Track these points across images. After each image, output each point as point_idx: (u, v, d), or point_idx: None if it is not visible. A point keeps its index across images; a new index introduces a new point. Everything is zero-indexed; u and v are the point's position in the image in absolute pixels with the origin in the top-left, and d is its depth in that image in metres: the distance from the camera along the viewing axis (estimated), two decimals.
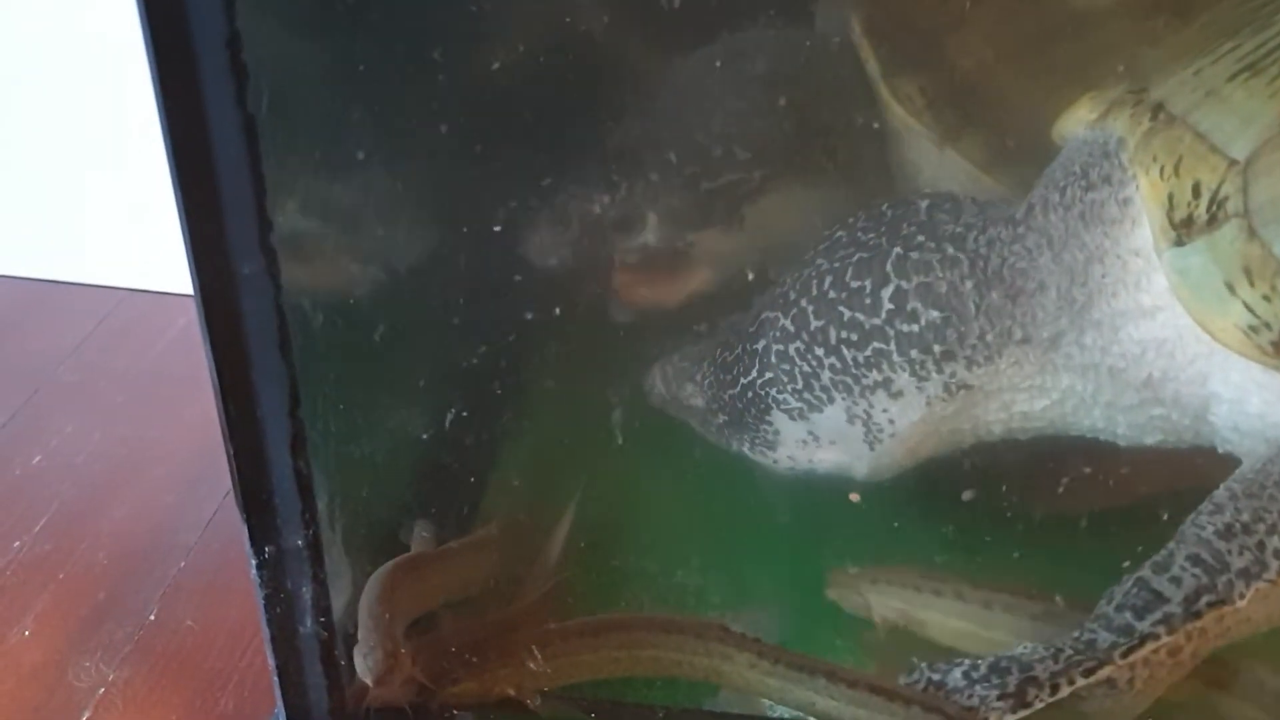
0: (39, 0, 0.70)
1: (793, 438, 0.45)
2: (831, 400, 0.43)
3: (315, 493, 0.40)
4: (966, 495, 0.45)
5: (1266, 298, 0.35)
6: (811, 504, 0.48)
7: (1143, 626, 0.36)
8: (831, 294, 0.42)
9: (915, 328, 0.41)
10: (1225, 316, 0.36)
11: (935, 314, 0.41)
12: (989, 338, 0.41)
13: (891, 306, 0.41)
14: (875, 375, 0.42)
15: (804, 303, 0.43)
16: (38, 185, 0.75)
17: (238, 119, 0.33)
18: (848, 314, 0.42)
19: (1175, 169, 0.37)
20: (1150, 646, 0.36)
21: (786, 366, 0.43)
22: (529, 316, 0.44)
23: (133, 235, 0.75)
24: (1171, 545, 0.37)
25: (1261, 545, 0.36)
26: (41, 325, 0.75)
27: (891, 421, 0.43)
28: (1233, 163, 0.36)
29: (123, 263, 0.76)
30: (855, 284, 0.42)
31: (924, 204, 0.43)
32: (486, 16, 0.40)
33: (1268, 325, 0.35)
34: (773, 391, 0.44)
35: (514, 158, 0.42)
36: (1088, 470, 0.44)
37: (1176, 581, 0.36)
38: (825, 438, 0.44)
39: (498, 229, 0.42)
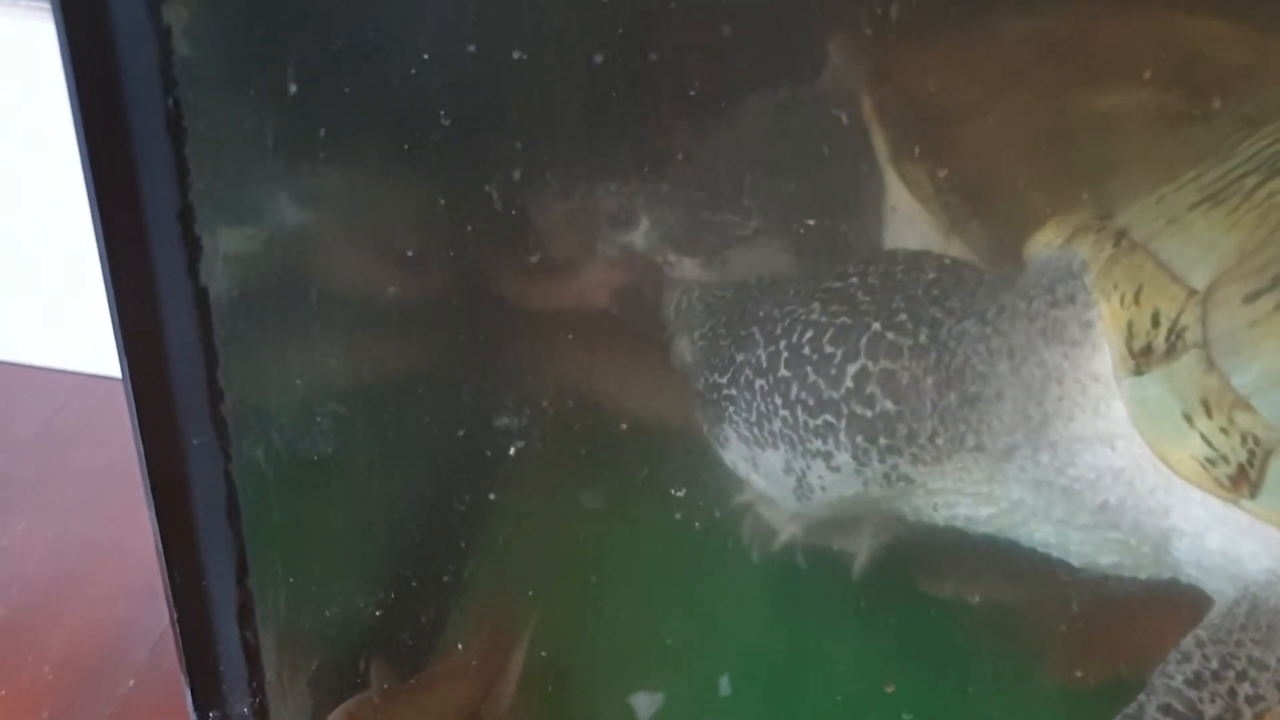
0: None
1: (738, 453, 0.45)
2: (775, 446, 0.43)
3: (263, 662, 0.38)
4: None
5: (1224, 430, 0.35)
6: (799, 636, 0.48)
7: None
8: (806, 350, 0.42)
9: (869, 413, 0.40)
10: (1183, 448, 0.35)
11: (890, 405, 0.40)
12: (939, 440, 0.40)
13: (852, 385, 0.40)
14: (819, 444, 0.41)
15: (782, 345, 0.42)
16: None
17: (189, 290, 0.31)
18: (812, 376, 0.41)
19: (1136, 297, 0.37)
20: None
21: (749, 396, 0.43)
22: (488, 492, 0.43)
23: (91, 317, 0.72)
24: (1142, 697, 0.36)
25: (1233, 692, 0.36)
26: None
27: (824, 489, 0.42)
28: (1192, 292, 0.36)
29: (81, 346, 0.74)
30: (829, 349, 0.41)
31: (930, 275, 0.42)
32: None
33: (1224, 458, 0.35)
34: (731, 409, 0.44)
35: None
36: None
37: None
38: (762, 471, 0.44)
39: (462, 396, 0.41)
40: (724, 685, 0.49)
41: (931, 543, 0.45)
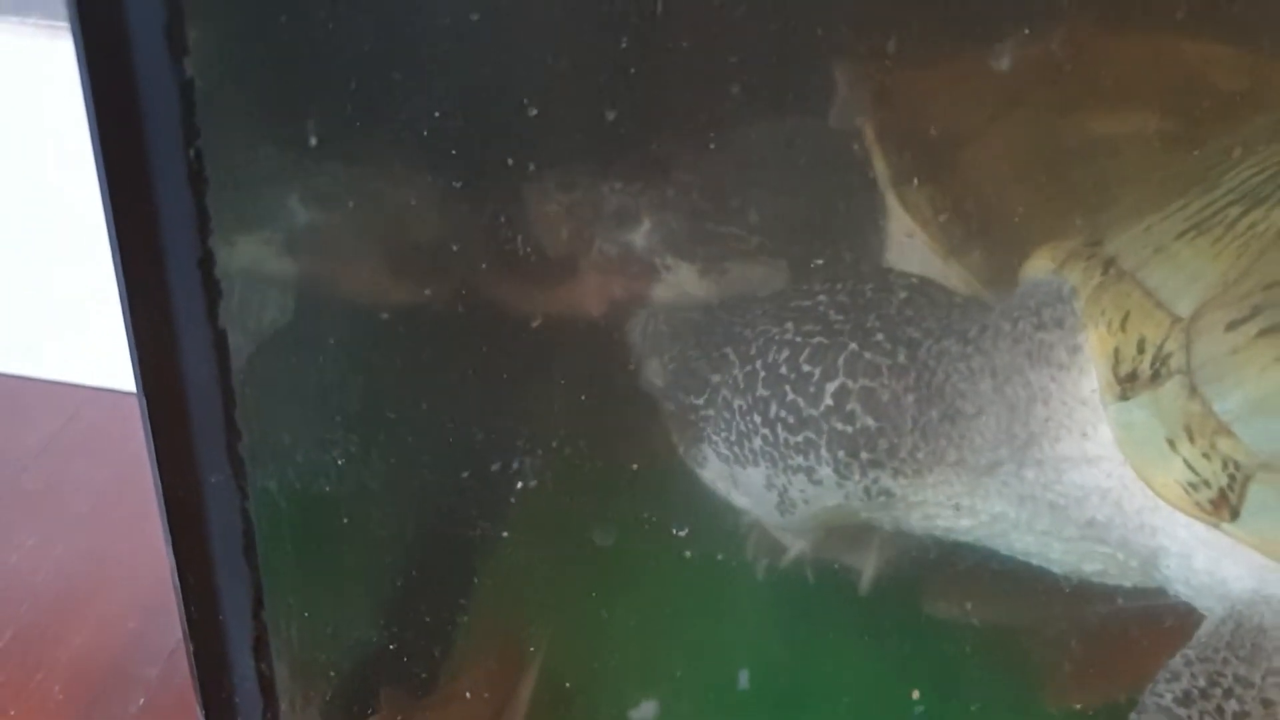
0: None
1: (717, 472, 0.46)
2: (756, 464, 0.43)
3: (278, 693, 0.39)
4: None
5: (1206, 455, 0.36)
6: (805, 653, 0.49)
7: None
8: (783, 369, 0.42)
9: (849, 429, 0.41)
10: (1167, 473, 0.36)
11: (871, 421, 0.41)
12: (920, 455, 0.41)
13: (832, 403, 0.41)
14: (800, 460, 0.42)
15: (758, 364, 0.43)
16: None
17: (208, 334, 0.32)
18: (790, 395, 0.42)
19: (1122, 324, 0.37)
20: None
21: (727, 415, 0.44)
22: (494, 523, 0.43)
23: (99, 331, 0.73)
24: (1134, 716, 0.37)
25: (1220, 710, 0.36)
26: (3, 426, 0.73)
27: (806, 502, 0.43)
28: (1176, 320, 0.37)
29: (90, 359, 0.74)
30: (806, 368, 0.42)
31: (901, 295, 0.43)
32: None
33: (1206, 483, 0.36)
34: (709, 430, 0.44)
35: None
36: None
37: None
38: (743, 488, 0.45)
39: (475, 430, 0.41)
40: (730, 699, 0.49)
41: (937, 561, 0.45)
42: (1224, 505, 0.35)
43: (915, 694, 0.47)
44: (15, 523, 0.65)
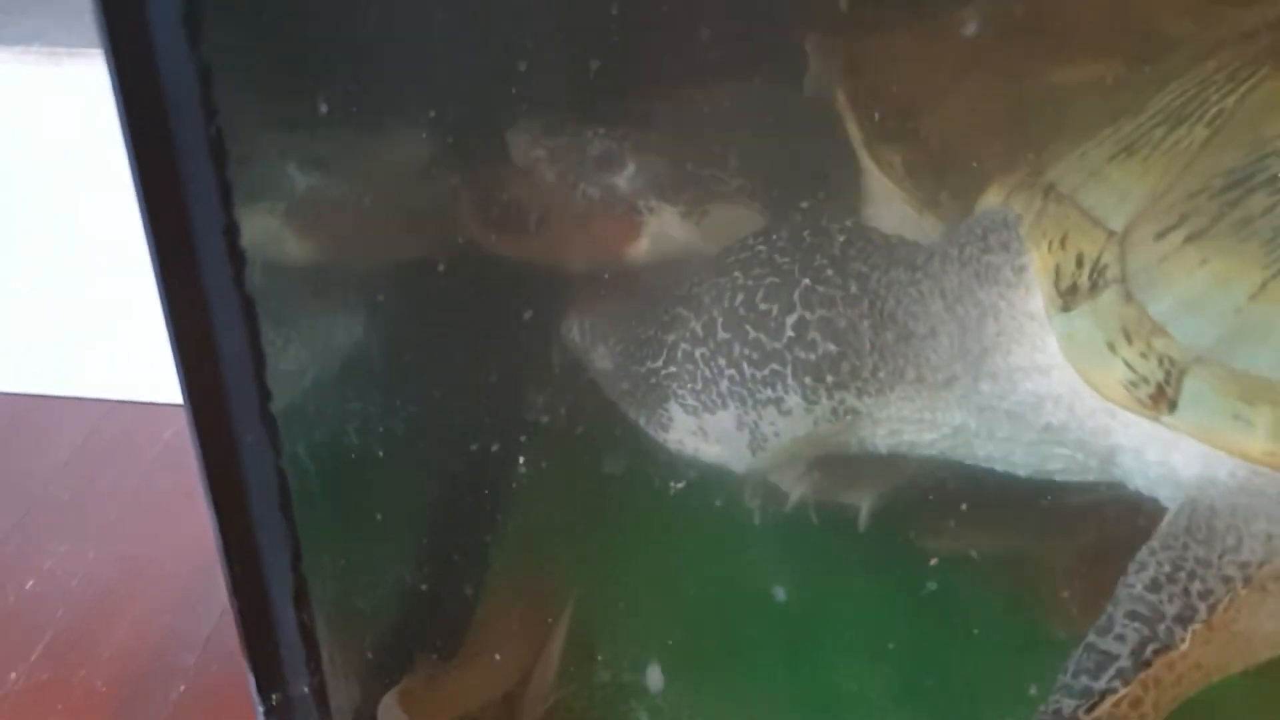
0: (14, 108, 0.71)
1: (684, 428, 0.47)
2: (725, 406, 0.46)
3: (319, 641, 0.41)
4: None
5: (1143, 354, 0.38)
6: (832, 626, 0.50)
7: (1099, 685, 0.38)
8: (741, 311, 0.45)
9: (812, 356, 0.44)
10: (1109, 374, 0.39)
11: (832, 347, 0.43)
12: (881, 374, 0.44)
13: (793, 334, 0.44)
14: (769, 393, 0.45)
15: (715, 312, 0.45)
16: (16, 299, 0.76)
17: (236, 300, 0.35)
18: (752, 333, 0.44)
19: (1062, 242, 0.40)
20: (1110, 701, 0.38)
21: (690, 367, 0.46)
22: (522, 464, 0.45)
23: (116, 345, 0.75)
24: (1110, 608, 0.40)
25: (1186, 591, 0.39)
26: (30, 441, 0.75)
27: (777, 435, 0.46)
28: (1111, 234, 0.40)
29: (108, 374, 0.77)
30: (764, 306, 0.44)
31: (840, 239, 0.45)
32: None
33: (1145, 380, 0.38)
34: (673, 385, 0.46)
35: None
36: None
37: (1121, 639, 0.39)
38: (713, 435, 0.47)
39: (492, 379, 0.44)
40: (738, 649, 0.51)
41: (931, 495, 0.48)
42: (1162, 399, 0.38)
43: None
44: (47, 531, 0.67)
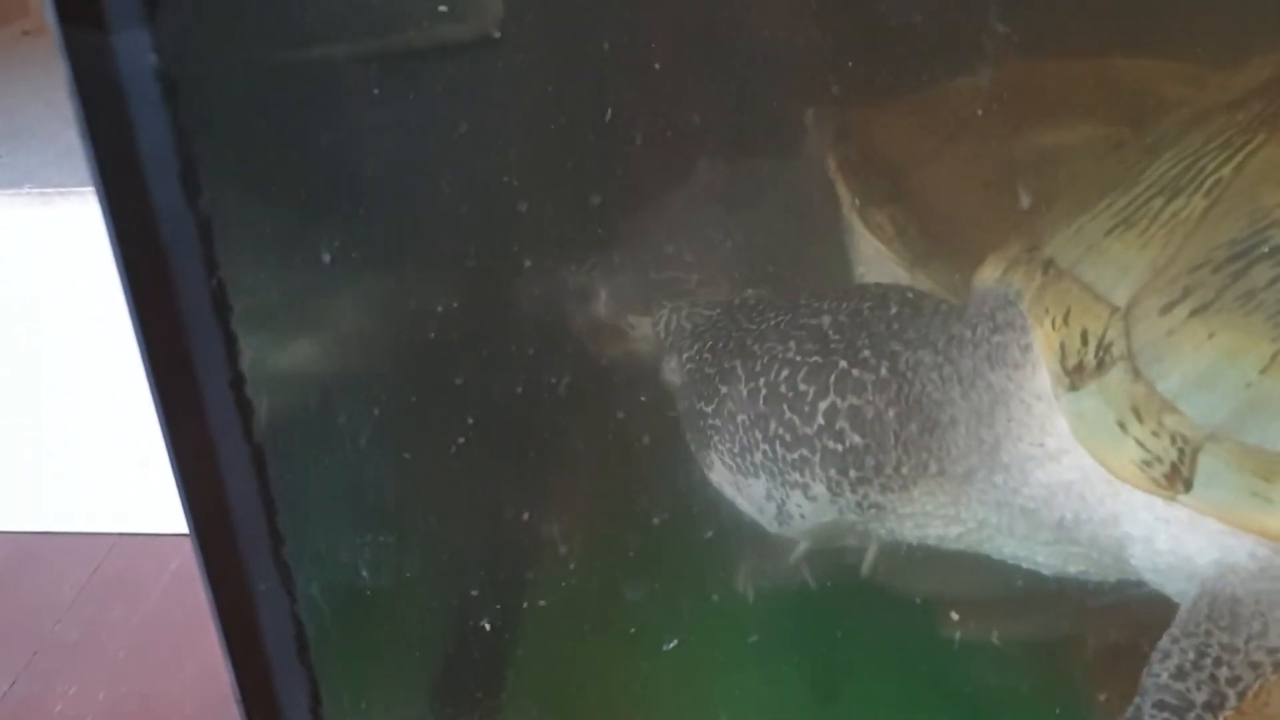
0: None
1: (723, 478, 0.47)
2: (757, 476, 0.45)
3: None
4: None
5: (1155, 433, 0.38)
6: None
7: None
8: (782, 388, 0.44)
9: (839, 448, 0.43)
10: (1121, 454, 0.38)
11: (858, 439, 0.43)
12: (904, 469, 0.43)
13: (823, 422, 0.43)
14: (797, 476, 0.44)
15: (761, 382, 0.45)
16: (14, 436, 0.75)
17: (245, 450, 0.34)
18: (788, 414, 0.44)
19: (1065, 319, 0.40)
20: None
21: (731, 428, 0.46)
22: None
23: (118, 480, 0.75)
24: (1137, 700, 0.39)
25: (1214, 678, 0.38)
26: (35, 581, 0.74)
27: (803, 516, 0.45)
28: (1115, 309, 0.39)
29: (110, 508, 0.76)
30: (802, 387, 0.44)
31: (894, 310, 0.45)
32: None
33: (1159, 459, 0.37)
34: (716, 438, 0.46)
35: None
36: None
37: None
38: (746, 497, 0.47)
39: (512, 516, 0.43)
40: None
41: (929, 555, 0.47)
42: (1177, 478, 0.37)
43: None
44: (56, 673, 0.66)
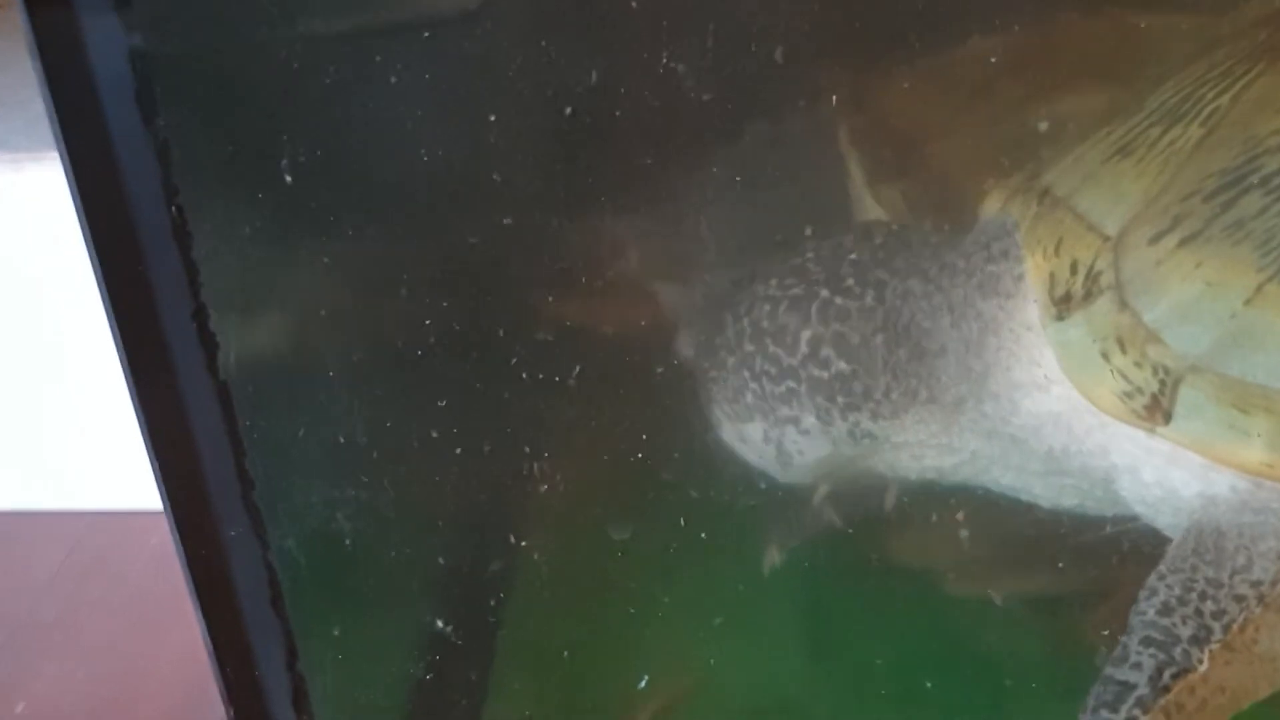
0: None
1: (728, 432, 0.46)
2: (752, 419, 0.45)
3: None
4: None
5: (1137, 364, 0.37)
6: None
7: (1119, 716, 0.36)
8: (765, 323, 0.44)
9: (825, 374, 0.43)
10: (1103, 384, 0.37)
11: (844, 365, 0.42)
12: (894, 395, 0.42)
13: (807, 350, 0.43)
14: (786, 410, 0.44)
15: (745, 322, 0.44)
16: None
17: (211, 386, 0.33)
18: (771, 347, 0.43)
19: (1056, 248, 0.39)
20: None
21: (724, 374, 0.45)
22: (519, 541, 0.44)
23: (92, 456, 0.73)
24: (1124, 638, 0.38)
25: (1199, 612, 0.38)
26: (12, 560, 0.73)
27: (801, 453, 0.44)
28: (1105, 239, 0.38)
29: (86, 485, 0.75)
30: (784, 319, 0.43)
31: (878, 240, 0.44)
32: None
33: (1139, 390, 0.37)
34: (715, 389, 0.46)
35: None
36: None
37: (1137, 666, 0.37)
38: (748, 445, 0.46)
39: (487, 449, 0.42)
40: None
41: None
42: (1157, 410, 0.37)
43: None
44: (36, 653, 0.65)
